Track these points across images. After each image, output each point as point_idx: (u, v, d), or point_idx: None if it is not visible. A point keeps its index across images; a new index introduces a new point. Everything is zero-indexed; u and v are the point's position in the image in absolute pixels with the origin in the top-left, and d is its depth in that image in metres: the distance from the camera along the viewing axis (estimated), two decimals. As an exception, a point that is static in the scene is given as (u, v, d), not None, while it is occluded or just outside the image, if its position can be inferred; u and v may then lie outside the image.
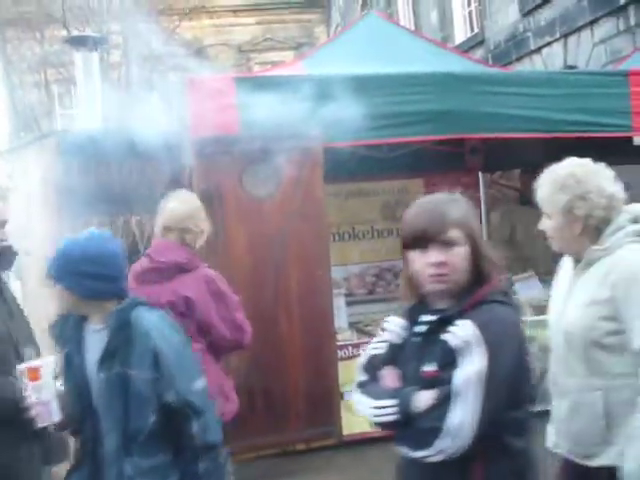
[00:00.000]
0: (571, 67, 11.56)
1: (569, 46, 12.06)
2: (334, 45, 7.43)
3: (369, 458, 5.54)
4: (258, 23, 27.06)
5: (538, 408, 2.39)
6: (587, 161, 3.02)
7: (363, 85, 5.40)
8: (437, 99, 5.49)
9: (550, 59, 12.58)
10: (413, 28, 17.58)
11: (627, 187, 9.66)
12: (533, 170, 8.38)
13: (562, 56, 12.24)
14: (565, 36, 12.08)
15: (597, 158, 2.99)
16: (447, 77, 5.56)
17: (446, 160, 8.11)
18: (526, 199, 8.13)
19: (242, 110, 5.12)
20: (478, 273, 2.28)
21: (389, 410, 2.20)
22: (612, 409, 2.80)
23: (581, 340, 2.88)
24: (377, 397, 2.27)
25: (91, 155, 5.26)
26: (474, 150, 8.56)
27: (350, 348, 5.87)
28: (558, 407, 3.05)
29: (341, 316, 6.29)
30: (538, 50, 12.96)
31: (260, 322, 5.09)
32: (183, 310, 3.72)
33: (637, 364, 2.73)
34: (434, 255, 2.23)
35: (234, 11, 26.62)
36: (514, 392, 2.21)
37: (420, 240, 2.26)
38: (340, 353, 5.69)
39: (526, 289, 6.77)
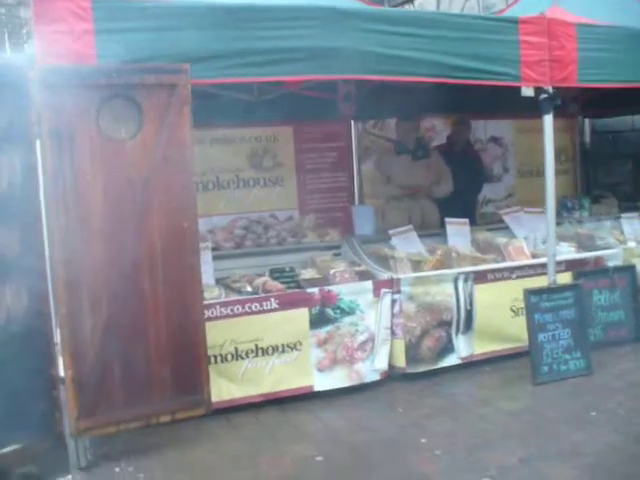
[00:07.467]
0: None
1: (442, -4, 11.93)
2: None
3: (240, 425, 5.17)
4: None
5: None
6: None
7: (237, 16, 4.85)
8: (320, 35, 4.98)
9: (423, 8, 12.37)
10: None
11: (499, 142, 9.40)
12: (411, 120, 8.01)
13: (435, 6, 12.07)
14: (439, -15, 11.92)
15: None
16: (331, 12, 5.05)
17: (317, 107, 7.82)
18: (403, 148, 7.84)
19: (100, 37, 4.46)
20: None
21: None
22: None
23: None
24: None
25: None
26: (347, 97, 8.21)
27: (218, 307, 5.36)
28: None
29: (208, 272, 5.78)
30: (411, -1, 12.77)
31: (118, 279, 4.53)
32: None
33: None
34: None
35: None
36: None
37: None
38: (207, 313, 5.13)
39: (404, 244, 6.45)
